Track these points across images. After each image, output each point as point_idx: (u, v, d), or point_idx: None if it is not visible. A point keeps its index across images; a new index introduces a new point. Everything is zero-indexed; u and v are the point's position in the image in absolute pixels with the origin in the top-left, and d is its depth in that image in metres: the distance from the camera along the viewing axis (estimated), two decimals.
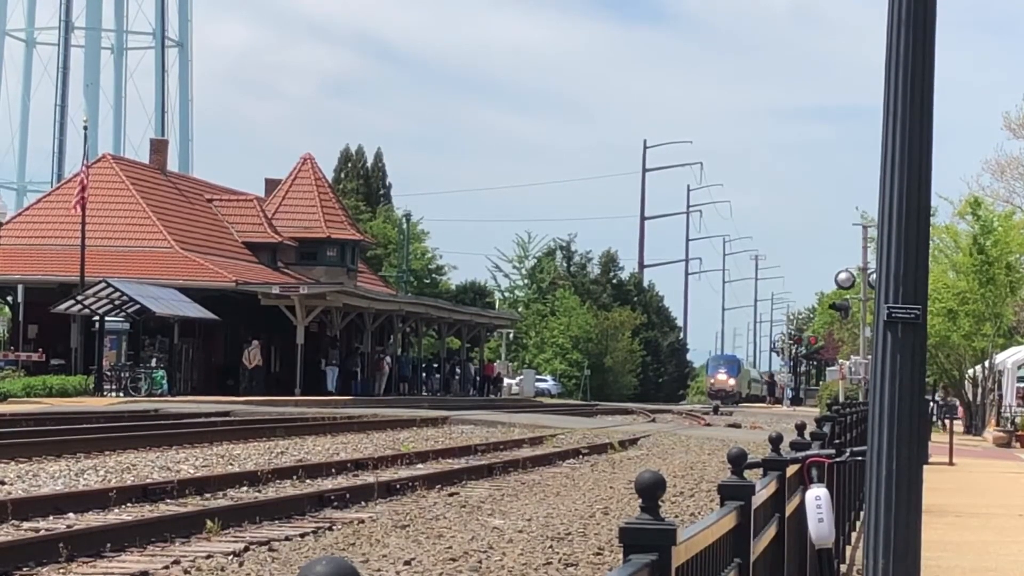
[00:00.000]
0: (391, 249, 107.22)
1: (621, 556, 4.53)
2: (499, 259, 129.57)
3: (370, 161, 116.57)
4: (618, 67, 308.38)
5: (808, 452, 9.45)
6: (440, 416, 47.57)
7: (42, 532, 16.60)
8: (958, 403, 56.90)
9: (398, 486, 22.96)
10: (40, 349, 61.89)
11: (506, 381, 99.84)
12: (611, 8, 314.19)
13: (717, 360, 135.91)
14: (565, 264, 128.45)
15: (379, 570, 14.67)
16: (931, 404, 54.90)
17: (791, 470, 8.85)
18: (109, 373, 60.21)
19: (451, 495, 22.89)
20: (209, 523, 17.27)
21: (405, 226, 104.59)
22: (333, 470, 25.86)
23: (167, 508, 19.56)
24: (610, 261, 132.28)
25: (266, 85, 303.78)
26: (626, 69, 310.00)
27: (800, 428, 11.65)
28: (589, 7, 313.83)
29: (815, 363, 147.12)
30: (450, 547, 16.35)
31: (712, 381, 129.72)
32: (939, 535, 17.55)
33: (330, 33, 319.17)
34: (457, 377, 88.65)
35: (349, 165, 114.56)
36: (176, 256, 68.15)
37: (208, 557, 15.36)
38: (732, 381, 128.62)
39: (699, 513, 20.68)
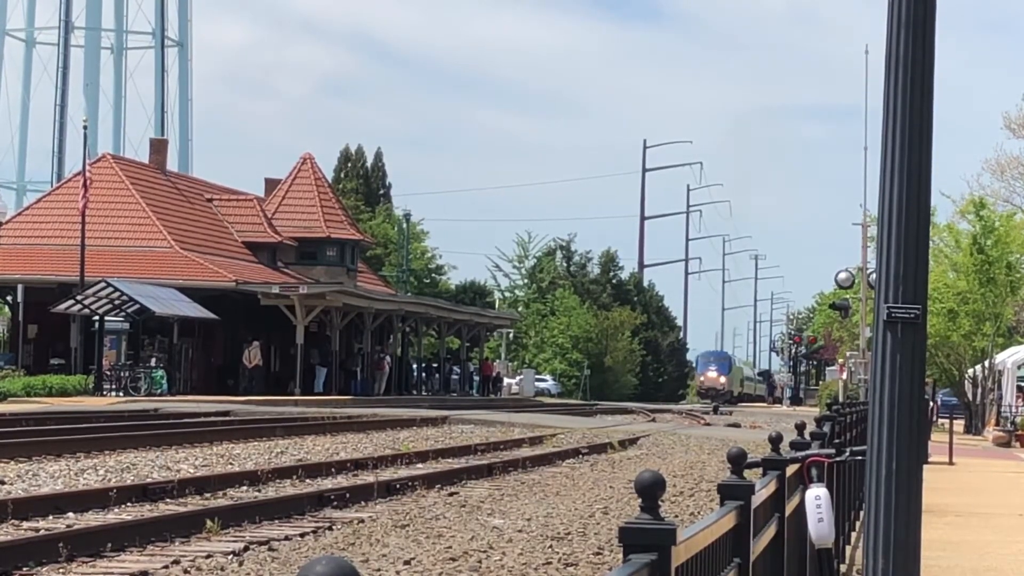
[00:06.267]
0: (391, 249, 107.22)
1: (621, 556, 4.53)
2: (499, 259, 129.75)
3: (370, 161, 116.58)
4: (617, 67, 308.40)
5: (808, 452, 9.44)
6: (440, 416, 47.57)
7: (42, 532, 16.60)
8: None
9: (398, 486, 22.96)
10: None
11: (506, 381, 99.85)
12: (610, 8, 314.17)
13: (707, 357, 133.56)
14: (565, 264, 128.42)
15: (379, 570, 14.67)
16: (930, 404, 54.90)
17: (791, 470, 8.85)
18: (109, 373, 60.20)
19: (451, 495, 22.89)
20: (209, 523, 17.27)
21: (405, 226, 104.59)
22: (333, 470, 25.86)
23: (167, 508, 19.56)
24: (610, 261, 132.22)
25: (265, 84, 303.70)
26: (626, 69, 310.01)
27: (800, 428, 11.65)
28: (588, 7, 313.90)
29: (815, 363, 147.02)
30: (450, 547, 16.35)
31: (702, 379, 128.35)
32: (939, 535, 17.55)
33: (328, 32, 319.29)
34: (456, 377, 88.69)
35: (349, 165, 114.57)
36: (176, 256, 68.14)
37: (208, 557, 15.36)
38: (723, 379, 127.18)
39: (699, 513, 20.68)
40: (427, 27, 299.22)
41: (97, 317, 60.17)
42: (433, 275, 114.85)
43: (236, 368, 66.68)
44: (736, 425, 58.50)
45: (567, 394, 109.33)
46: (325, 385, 68.58)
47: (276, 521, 18.64)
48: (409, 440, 36.51)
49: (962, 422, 57.49)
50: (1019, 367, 57.16)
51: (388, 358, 76.63)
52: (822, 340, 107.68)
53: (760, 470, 8.32)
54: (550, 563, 15.39)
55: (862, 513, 12.27)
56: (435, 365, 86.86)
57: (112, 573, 14.52)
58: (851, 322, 67.02)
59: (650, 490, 4.54)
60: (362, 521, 18.91)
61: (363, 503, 21.20)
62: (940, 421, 54.76)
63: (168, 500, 20.45)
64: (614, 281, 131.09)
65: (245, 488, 22.53)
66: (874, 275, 8.55)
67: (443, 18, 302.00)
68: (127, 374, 59.70)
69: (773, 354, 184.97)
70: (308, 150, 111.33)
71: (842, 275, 56.58)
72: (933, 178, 7.67)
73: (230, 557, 15.45)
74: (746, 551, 6.38)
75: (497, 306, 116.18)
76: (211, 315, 62.38)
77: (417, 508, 20.68)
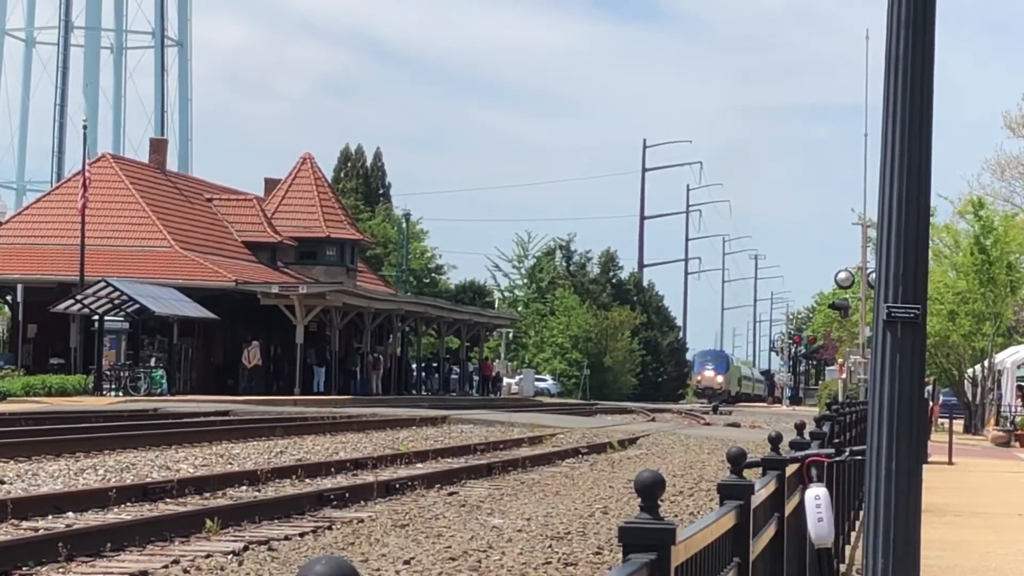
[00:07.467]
0: (391, 249, 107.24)
1: (620, 555, 4.53)
2: (499, 259, 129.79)
3: (369, 160, 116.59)
4: (617, 67, 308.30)
5: (807, 451, 9.45)
6: (439, 415, 47.56)
7: (41, 531, 16.59)
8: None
9: (397, 485, 22.96)
10: None
11: (505, 380, 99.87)
12: (610, 8, 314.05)
13: (704, 356, 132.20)
14: (564, 264, 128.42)
15: (378, 570, 14.67)
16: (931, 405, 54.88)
17: (790, 469, 8.85)
18: (109, 372, 60.20)
19: (450, 494, 22.89)
20: (209, 522, 17.27)
21: (405, 226, 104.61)
22: (332, 469, 25.85)
23: (167, 507, 19.56)
24: (609, 261, 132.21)
25: (264, 84, 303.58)
26: (626, 69, 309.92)
27: (799, 427, 11.65)
28: (588, 7, 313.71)
29: (814, 362, 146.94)
30: (449, 546, 16.35)
31: (699, 379, 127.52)
32: (939, 535, 17.55)
33: (327, 32, 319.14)
34: (455, 376, 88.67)
35: (349, 164, 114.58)
36: (176, 256, 68.14)
37: (208, 556, 15.36)
38: (720, 378, 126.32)
39: (698, 512, 20.67)
40: (426, 27, 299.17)
41: (97, 317, 60.16)
42: (433, 275, 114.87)
43: (236, 368, 66.68)
44: (736, 425, 58.51)
45: (567, 394, 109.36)
46: (325, 385, 68.59)
47: (276, 521, 18.64)
48: (409, 440, 36.50)
49: (962, 422, 57.50)
50: (1019, 367, 57.17)
51: (381, 358, 76.60)
52: (822, 340, 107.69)
53: (760, 470, 8.32)
54: (550, 563, 15.39)
55: (862, 513, 12.28)
56: (435, 365, 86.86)
57: (112, 573, 14.52)
58: (851, 322, 67.03)
59: (650, 490, 4.54)
60: (362, 521, 18.91)
61: (363, 503, 21.20)
62: (940, 421, 54.78)
63: (168, 500, 20.44)
64: (614, 281, 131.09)
65: (245, 488, 22.53)
66: (874, 275, 8.55)
67: (442, 18, 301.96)
68: (127, 374, 59.70)
69: (773, 354, 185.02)
70: (308, 150, 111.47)
71: (842, 275, 56.60)
72: (933, 178, 7.68)
73: (230, 557, 15.45)
74: (746, 551, 6.38)
75: (497, 306, 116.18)
76: (211, 315, 62.38)
77: (417, 508, 20.67)
